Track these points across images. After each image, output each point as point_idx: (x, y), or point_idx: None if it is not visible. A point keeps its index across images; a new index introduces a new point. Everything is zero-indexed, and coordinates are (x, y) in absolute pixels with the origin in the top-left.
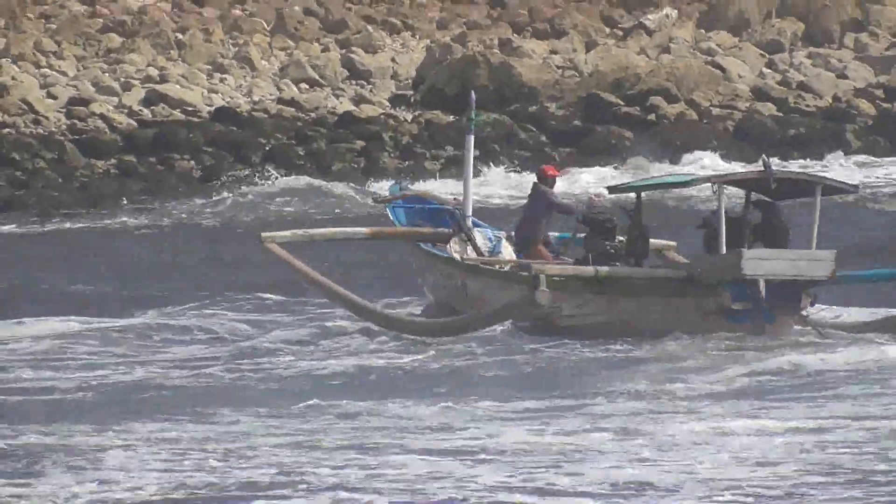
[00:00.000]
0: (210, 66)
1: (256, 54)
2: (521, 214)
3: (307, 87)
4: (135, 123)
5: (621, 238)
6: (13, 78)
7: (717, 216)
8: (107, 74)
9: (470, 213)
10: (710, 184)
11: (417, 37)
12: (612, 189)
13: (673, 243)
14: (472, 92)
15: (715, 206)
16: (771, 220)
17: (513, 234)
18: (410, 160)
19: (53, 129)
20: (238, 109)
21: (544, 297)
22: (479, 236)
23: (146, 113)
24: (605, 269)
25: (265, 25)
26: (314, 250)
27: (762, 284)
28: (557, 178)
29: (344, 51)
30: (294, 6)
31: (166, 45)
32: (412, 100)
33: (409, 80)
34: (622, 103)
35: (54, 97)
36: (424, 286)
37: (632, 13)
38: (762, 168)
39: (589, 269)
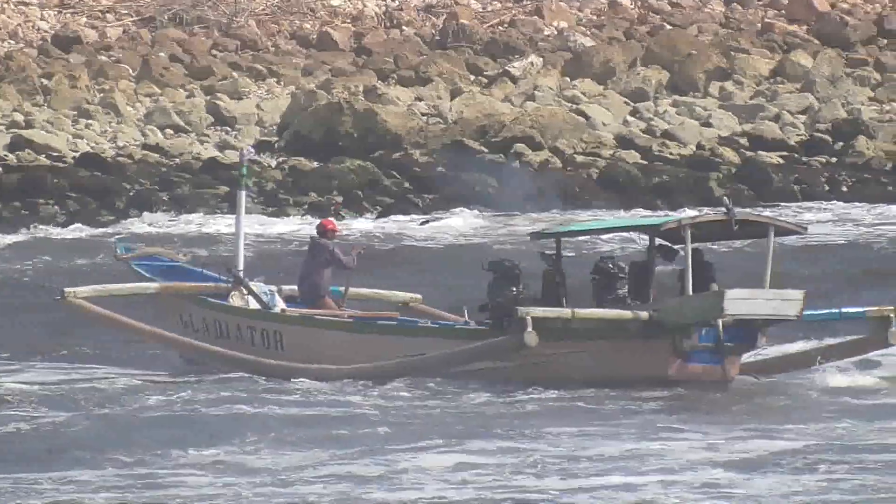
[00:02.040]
0: (75, 112)
1: (122, 100)
2: (303, 269)
3: (172, 132)
4: (0, 169)
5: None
6: None
7: (684, 258)
8: None
9: (241, 267)
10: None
11: (283, 83)
12: (537, 235)
13: (419, 296)
14: (243, 149)
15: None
16: (699, 263)
17: (281, 287)
18: (274, 206)
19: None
20: (103, 155)
21: (532, 339)
22: (256, 290)
23: (11, 158)
24: (581, 310)
25: (131, 71)
26: None
27: (720, 325)
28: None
29: (209, 97)
30: (160, 53)
31: (32, 91)
32: (276, 146)
33: (274, 127)
34: (486, 150)
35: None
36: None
37: (497, 61)
38: (725, 211)
39: (566, 311)
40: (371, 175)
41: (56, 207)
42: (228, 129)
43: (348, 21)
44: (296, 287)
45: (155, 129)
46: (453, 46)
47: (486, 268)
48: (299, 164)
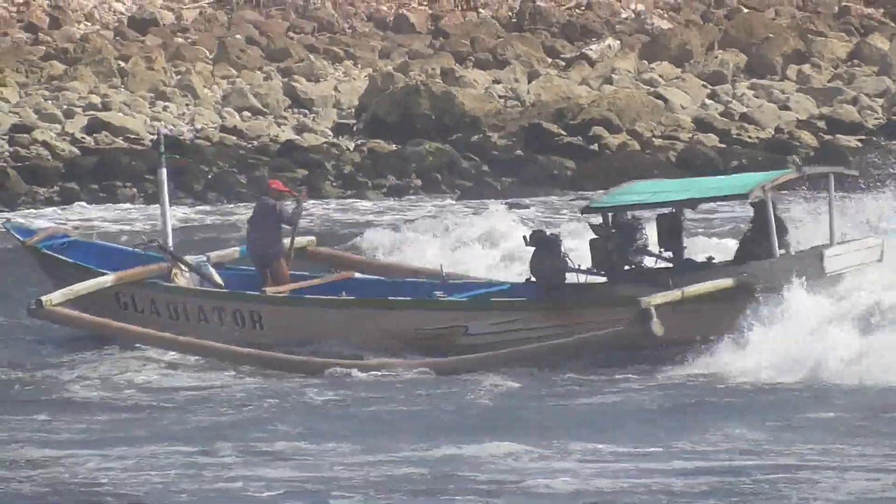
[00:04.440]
0: (152, 94)
1: (199, 82)
2: (250, 232)
3: (249, 115)
4: (77, 151)
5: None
6: None
7: (768, 219)
8: (49, 102)
9: (171, 243)
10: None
11: (360, 66)
12: (587, 209)
13: (313, 238)
14: (159, 129)
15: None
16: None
17: (209, 255)
18: (352, 188)
19: None
20: (181, 137)
21: (660, 328)
22: (192, 263)
23: (89, 140)
24: (689, 288)
25: (207, 54)
26: None
27: None
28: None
29: (286, 79)
30: (236, 35)
31: (109, 73)
32: (354, 129)
33: (352, 109)
34: (564, 133)
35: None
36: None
37: (574, 44)
38: (797, 169)
39: (677, 293)
40: (449, 157)
41: (134, 190)
42: (306, 111)
43: (425, 3)
44: (223, 252)
45: (232, 111)
46: (530, 29)
47: (528, 242)
48: (377, 146)
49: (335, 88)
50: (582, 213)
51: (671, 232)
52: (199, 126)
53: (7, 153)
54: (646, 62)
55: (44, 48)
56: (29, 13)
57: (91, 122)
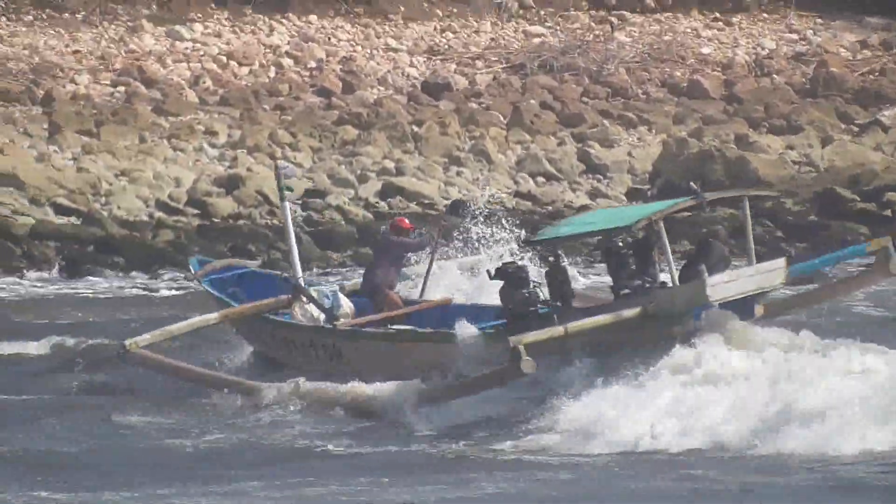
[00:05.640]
0: (446, 159)
1: (493, 147)
2: (369, 265)
3: (543, 180)
4: (371, 216)
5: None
6: (249, 169)
7: (665, 252)
8: (342, 166)
9: (300, 274)
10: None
11: (654, 131)
12: (527, 242)
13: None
14: (277, 163)
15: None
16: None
17: (343, 285)
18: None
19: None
20: (475, 203)
21: (530, 367)
22: (316, 295)
23: (382, 205)
24: (573, 324)
25: (501, 118)
26: None
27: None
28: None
29: (580, 144)
30: (530, 100)
31: (402, 138)
32: (648, 194)
33: (646, 175)
34: (858, 199)
35: (289, 189)
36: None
37: (868, 110)
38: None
39: (558, 329)
40: (742, 222)
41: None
42: (600, 176)
43: (718, 69)
44: (359, 281)
45: (526, 176)
46: (824, 95)
47: (493, 276)
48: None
49: (629, 154)
50: (524, 246)
51: (643, 256)
52: (492, 191)
53: (300, 218)
54: None
55: (337, 113)
56: (322, 78)
57: (385, 187)
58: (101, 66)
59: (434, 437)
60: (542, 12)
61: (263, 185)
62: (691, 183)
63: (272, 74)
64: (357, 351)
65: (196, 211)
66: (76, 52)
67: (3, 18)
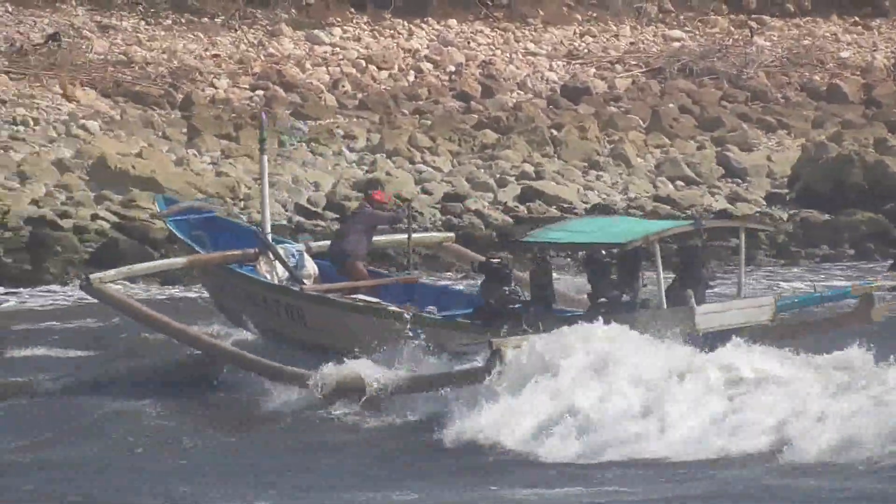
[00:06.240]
0: (585, 163)
1: (632, 151)
2: (338, 230)
3: (683, 184)
4: (510, 220)
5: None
6: (388, 173)
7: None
8: (482, 170)
9: (268, 230)
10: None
11: (793, 135)
12: (517, 244)
13: (451, 235)
14: (263, 114)
15: None
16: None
17: (310, 245)
18: (786, 258)
19: (428, 226)
20: (614, 207)
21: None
22: (282, 252)
23: (522, 209)
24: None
25: (640, 122)
26: None
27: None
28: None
29: (719, 148)
30: (669, 104)
31: (541, 142)
32: (787, 198)
33: (785, 179)
34: None
35: (429, 193)
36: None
37: None
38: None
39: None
40: (882, 227)
41: (569, 259)
42: (739, 180)
43: (857, 73)
44: (324, 243)
45: (665, 180)
46: None
47: (476, 269)
48: (810, 216)
49: (768, 158)
50: (513, 247)
51: (629, 269)
52: (632, 195)
53: (440, 221)
54: None
55: (476, 117)
56: (461, 82)
57: (524, 191)
58: (240, 70)
59: (435, 436)
60: (682, 17)
61: (402, 189)
62: (693, 210)
63: (411, 78)
64: (321, 316)
65: (335, 215)
66: (215, 56)
67: (143, 23)
